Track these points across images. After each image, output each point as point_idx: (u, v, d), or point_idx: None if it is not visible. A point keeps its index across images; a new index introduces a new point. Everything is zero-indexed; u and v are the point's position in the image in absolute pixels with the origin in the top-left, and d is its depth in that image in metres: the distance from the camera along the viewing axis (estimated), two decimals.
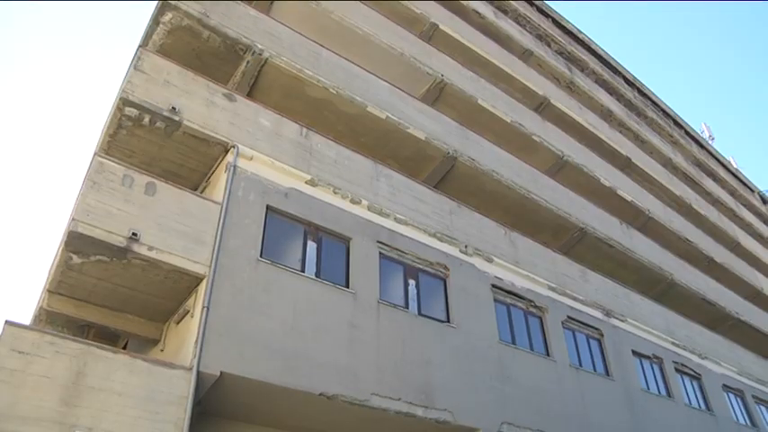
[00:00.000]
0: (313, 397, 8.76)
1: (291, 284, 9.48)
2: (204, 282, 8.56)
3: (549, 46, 23.82)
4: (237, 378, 8.21)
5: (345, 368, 9.27)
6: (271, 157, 10.45)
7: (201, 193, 10.34)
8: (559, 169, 18.42)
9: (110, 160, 8.83)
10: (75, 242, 8.01)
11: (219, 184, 9.87)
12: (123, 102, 9.40)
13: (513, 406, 11.32)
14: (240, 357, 8.30)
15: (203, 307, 8.24)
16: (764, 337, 23.80)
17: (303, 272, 9.79)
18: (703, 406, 17.08)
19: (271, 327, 8.82)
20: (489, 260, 13.08)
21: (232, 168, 9.74)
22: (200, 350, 7.89)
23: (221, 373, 7.99)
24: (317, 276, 9.90)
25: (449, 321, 11.37)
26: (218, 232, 8.96)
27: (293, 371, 8.66)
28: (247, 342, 8.47)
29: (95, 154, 8.84)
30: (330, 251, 10.47)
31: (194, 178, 10.70)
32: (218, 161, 10.32)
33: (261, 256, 9.34)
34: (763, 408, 20.17)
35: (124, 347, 10.47)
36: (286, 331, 8.95)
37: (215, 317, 8.29)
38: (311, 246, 10.21)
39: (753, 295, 25.58)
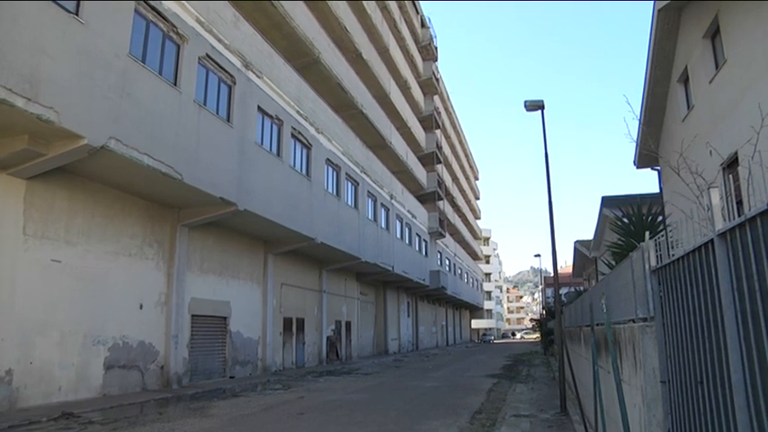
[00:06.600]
0: None
1: None
2: None
3: None
4: None
5: None
6: None
7: None
8: None
9: None
10: None
11: None
12: None
13: (126, 124, 11.02)
14: None
15: None
16: (375, 131, 27.94)
17: None
18: (305, 171, 19.57)
19: None
20: None
21: None
22: None
23: None
24: None
25: (77, 14, 10.00)
26: None
27: None
28: None
29: None
30: None
31: None
32: None
33: None
34: (349, 183, 24.23)
35: None
36: None
37: None
38: None
39: (381, 96, 29.31)
